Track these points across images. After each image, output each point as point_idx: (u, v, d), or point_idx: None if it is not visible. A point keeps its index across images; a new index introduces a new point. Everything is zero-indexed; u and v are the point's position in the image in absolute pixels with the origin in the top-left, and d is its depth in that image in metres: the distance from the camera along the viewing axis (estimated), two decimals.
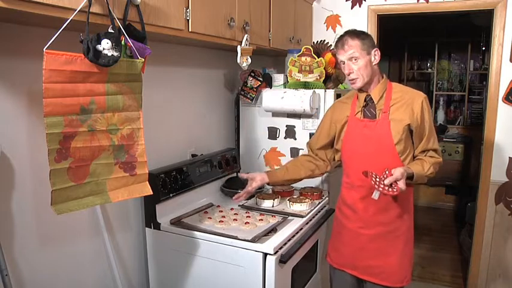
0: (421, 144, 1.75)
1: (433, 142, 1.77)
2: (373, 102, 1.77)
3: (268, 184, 1.97)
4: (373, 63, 1.73)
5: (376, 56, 1.73)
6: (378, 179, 1.61)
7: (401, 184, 1.58)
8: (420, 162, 1.74)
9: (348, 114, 1.84)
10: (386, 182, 1.58)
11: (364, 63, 1.70)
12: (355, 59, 1.70)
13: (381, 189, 1.59)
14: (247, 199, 2.10)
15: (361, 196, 1.77)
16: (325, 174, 2.19)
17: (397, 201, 1.76)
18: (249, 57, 2.05)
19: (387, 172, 1.62)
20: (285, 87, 2.44)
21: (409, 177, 1.67)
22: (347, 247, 1.87)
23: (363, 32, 1.76)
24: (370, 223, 1.79)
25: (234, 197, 1.94)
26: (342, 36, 1.75)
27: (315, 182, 2.36)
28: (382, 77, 1.79)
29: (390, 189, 1.59)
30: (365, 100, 1.79)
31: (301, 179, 2.00)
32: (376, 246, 1.80)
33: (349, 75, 1.73)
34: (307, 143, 2.06)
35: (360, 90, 1.79)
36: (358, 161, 1.78)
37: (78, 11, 1.10)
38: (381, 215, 1.77)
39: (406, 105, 1.73)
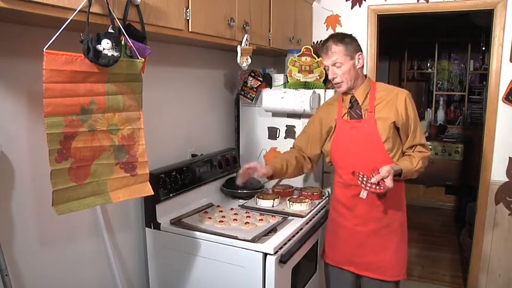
0: (408, 140, 1.80)
1: (420, 137, 1.80)
2: (358, 103, 1.81)
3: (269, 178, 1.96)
4: (357, 67, 1.78)
5: (360, 59, 1.78)
6: (365, 179, 1.65)
7: (388, 181, 1.62)
8: (409, 158, 1.78)
9: (336, 117, 1.88)
10: (373, 180, 1.63)
11: (348, 68, 1.75)
12: (339, 64, 1.74)
13: (368, 188, 1.63)
14: (246, 199, 2.10)
15: (355, 194, 1.79)
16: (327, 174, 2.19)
17: (390, 198, 1.80)
18: (249, 57, 2.05)
19: (375, 171, 1.65)
20: (285, 87, 2.44)
21: (398, 174, 1.71)
22: (345, 245, 1.90)
23: (348, 36, 1.79)
24: (366, 220, 1.83)
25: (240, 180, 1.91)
26: (326, 41, 1.79)
27: (314, 182, 2.37)
28: (365, 78, 1.84)
29: (378, 188, 1.63)
30: (350, 101, 1.83)
31: None
32: (372, 242, 1.84)
33: (333, 79, 1.78)
34: (296, 144, 2.05)
35: (345, 92, 1.83)
36: (349, 161, 1.82)
37: (78, 11, 1.10)
38: (375, 211, 1.82)
39: (390, 103, 1.77)
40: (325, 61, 1.78)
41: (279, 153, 2.41)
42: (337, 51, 1.74)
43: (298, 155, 2.01)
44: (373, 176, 1.64)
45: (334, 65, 1.75)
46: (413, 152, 1.80)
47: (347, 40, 1.76)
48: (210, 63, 2.36)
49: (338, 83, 1.78)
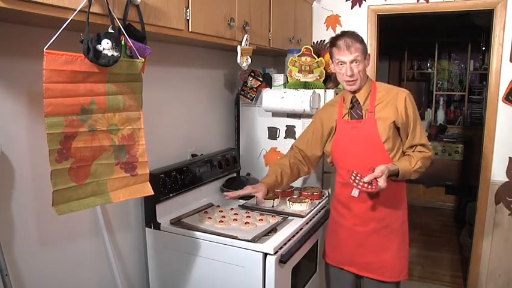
0: (408, 140, 1.80)
1: (420, 137, 1.80)
2: (359, 103, 1.81)
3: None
4: (366, 67, 1.81)
5: (368, 60, 1.82)
6: (358, 177, 1.65)
7: (381, 181, 1.62)
8: (408, 158, 1.78)
9: (337, 118, 1.88)
10: (366, 179, 1.63)
11: (363, 67, 1.78)
12: (357, 62, 1.74)
13: (359, 186, 1.63)
14: (247, 199, 2.10)
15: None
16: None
17: (390, 198, 1.80)
18: (249, 57, 2.05)
19: (371, 170, 1.65)
20: (285, 87, 2.44)
21: (395, 174, 1.71)
22: (344, 245, 1.90)
23: (362, 37, 1.80)
24: (365, 220, 1.83)
25: (226, 194, 1.88)
26: (342, 37, 1.77)
27: (314, 182, 2.37)
28: (367, 78, 1.85)
29: (370, 187, 1.63)
30: (351, 102, 1.83)
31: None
32: (372, 242, 1.84)
33: (351, 76, 1.75)
34: (295, 145, 2.04)
35: (350, 92, 1.83)
36: (349, 161, 1.82)
37: (78, 11, 1.10)
38: (373, 211, 1.81)
39: (390, 103, 1.78)
40: (344, 57, 1.73)
41: (279, 153, 2.42)
42: (359, 48, 1.74)
43: (293, 161, 1.99)
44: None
45: (353, 61, 1.74)
46: (413, 152, 1.79)
47: (363, 41, 1.79)
48: (210, 63, 2.36)
49: (354, 81, 1.76)
